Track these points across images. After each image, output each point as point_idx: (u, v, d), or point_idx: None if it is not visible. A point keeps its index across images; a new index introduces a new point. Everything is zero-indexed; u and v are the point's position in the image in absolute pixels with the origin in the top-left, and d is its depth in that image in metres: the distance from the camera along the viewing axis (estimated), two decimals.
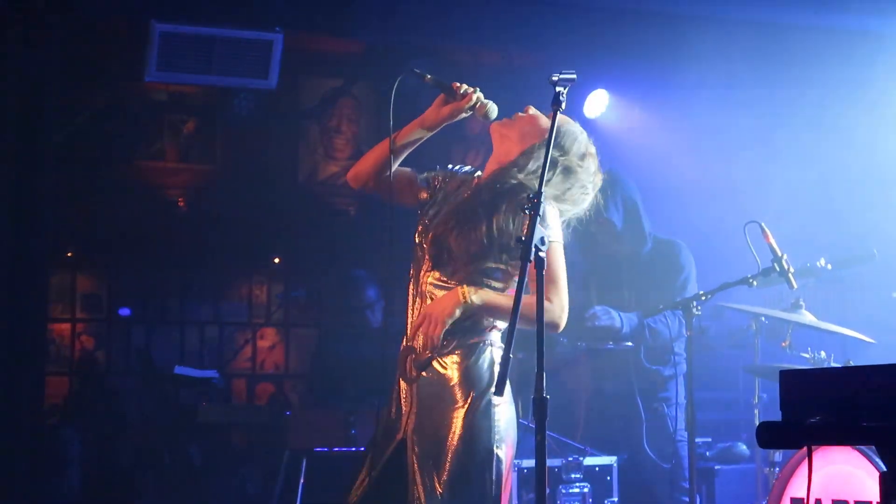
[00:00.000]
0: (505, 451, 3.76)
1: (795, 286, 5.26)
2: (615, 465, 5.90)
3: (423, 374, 3.78)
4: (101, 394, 9.39)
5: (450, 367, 3.75)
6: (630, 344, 6.03)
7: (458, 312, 3.68)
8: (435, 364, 3.77)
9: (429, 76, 3.91)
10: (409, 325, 3.85)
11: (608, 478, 5.83)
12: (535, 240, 3.36)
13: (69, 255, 9.90)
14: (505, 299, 3.70)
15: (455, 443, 3.68)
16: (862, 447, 4.54)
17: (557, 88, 3.56)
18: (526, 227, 3.42)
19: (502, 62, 8.59)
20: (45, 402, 7.64)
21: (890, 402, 2.47)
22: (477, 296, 3.70)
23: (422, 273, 3.86)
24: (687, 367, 5.28)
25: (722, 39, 7.56)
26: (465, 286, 3.71)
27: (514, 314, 3.33)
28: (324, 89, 9.81)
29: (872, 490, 4.48)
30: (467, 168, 4.12)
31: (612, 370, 6.25)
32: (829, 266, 5.45)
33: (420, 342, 3.78)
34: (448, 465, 3.67)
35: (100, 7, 7.38)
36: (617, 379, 6.21)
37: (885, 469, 2.58)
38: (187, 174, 10.11)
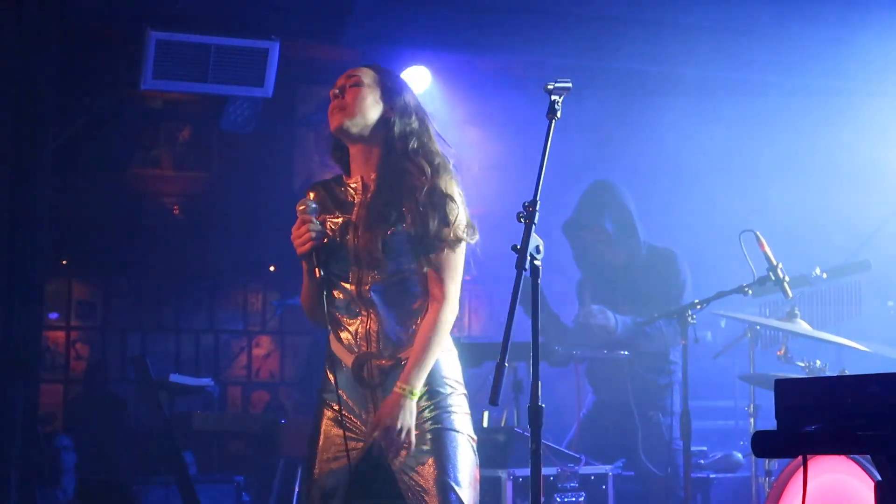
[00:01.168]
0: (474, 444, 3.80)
1: (791, 295, 5.27)
2: (610, 473, 5.88)
3: (389, 378, 3.77)
4: (99, 401, 9.37)
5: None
6: (626, 353, 6.03)
7: (411, 415, 3.67)
8: (400, 369, 3.75)
9: (319, 269, 3.79)
10: (356, 333, 3.80)
11: (603, 486, 5.81)
12: (531, 248, 3.36)
13: (64, 262, 9.89)
14: (423, 358, 3.70)
15: (431, 437, 3.71)
16: (857, 456, 4.54)
17: (553, 97, 3.55)
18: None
19: (497, 69, 8.60)
20: (39, 409, 7.63)
21: (885, 412, 2.47)
22: (416, 387, 3.68)
23: (352, 286, 3.80)
24: (682, 375, 5.28)
25: (715, 48, 7.58)
26: (401, 385, 3.67)
27: (508, 321, 3.34)
28: (319, 97, 9.81)
29: (868, 500, 4.48)
30: (324, 181, 4.08)
31: (608, 379, 6.25)
32: (825, 275, 5.46)
33: (380, 351, 3.77)
34: (432, 458, 3.70)
35: (95, 15, 7.39)
36: (612, 387, 6.21)
37: (879, 478, 2.58)
38: (183, 182, 10.12)
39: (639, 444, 6.02)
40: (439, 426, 3.72)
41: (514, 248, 3.40)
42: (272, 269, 10.34)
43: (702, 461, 6.46)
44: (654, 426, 6.09)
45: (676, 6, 7.44)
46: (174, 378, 7.26)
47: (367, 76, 3.94)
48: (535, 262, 3.38)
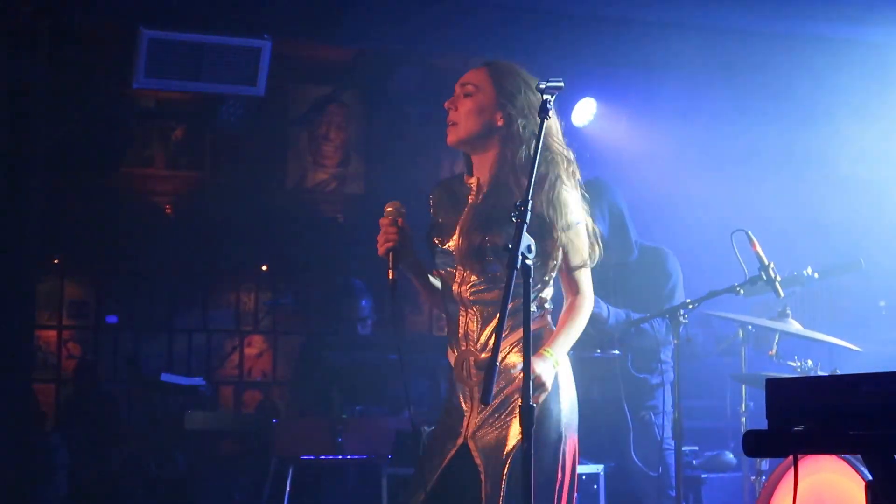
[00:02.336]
0: (571, 435, 3.81)
1: (782, 294, 5.27)
2: (602, 473, 5.89)
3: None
4: (90, 401, 9.35)
5: (511, 359, 3.79)
6: (617, 352, 6.02)
7: (552, 369, 3.76)
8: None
9: (392, 272, 3.87)
10: (459, 333, 3.89)
11: (595, 486, 5.82)
12: (522, 248, 3.36)
13: (56, 261, 9.88)
14: (565, 336, 3.83)
15: (520, 433, 3.69)
16: (847, 456, 4.55)
17: (545, 96, 3.56)
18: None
19: None
20: (31, 409, 7.63)
21: (876, 411, 2.47)
22: (557, 353, 3.79)
23: (456, 286, 3.89)
24: (674, 375, 5.28)
25: (706, 48, 7.59)
26: (546, 349, 3.77)
27: (500, 321, 3.34)
28: (312, 96, 9.81)
29: (858, 499, 4.48)
30: (447, 179, 4.14)
31: (599, 378, 6.24)
32: (816, 275, 5.46)
33: (478, 351, 3.84)
34: (512, 457, 3.70)
35: (88, 13, 7.37)
36: (604, 387, 6.20)
37: (870, 478, 2.58)
38: (175, 181, 10.10)
39: (630, 444, 6.02)
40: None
41: (505, 247, 3.40)
42: (265, 268, 10.33)
43: (693, 461, 6.47)
44: (646, 426, 6.08)
45: (666, 5, 7.45)
46: (166, 377, 7.26)
47: (481, 80, 3.99)
48: (527, 262, 3.38)
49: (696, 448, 6.63)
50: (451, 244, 3.91)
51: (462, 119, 3.93)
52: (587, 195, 4.09)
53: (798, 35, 7.70)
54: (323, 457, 6.60)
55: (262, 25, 7.41)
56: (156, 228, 9.88)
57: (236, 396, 10.32)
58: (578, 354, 6.08)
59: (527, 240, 3.37)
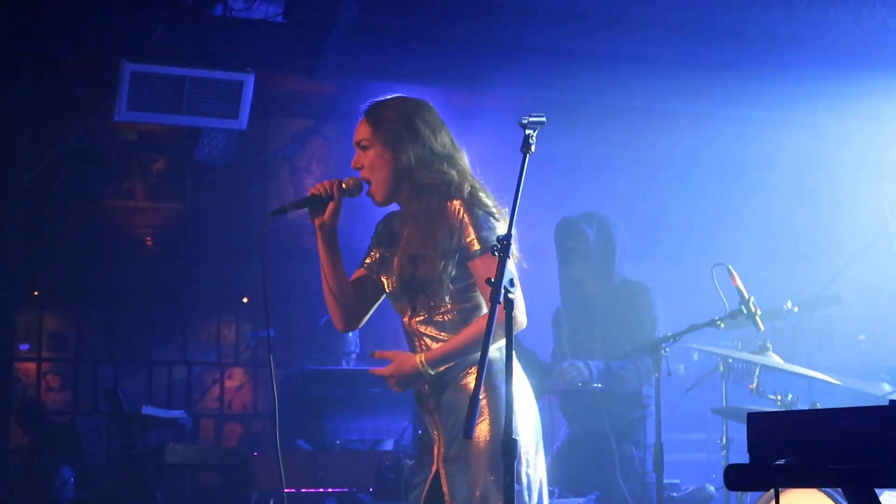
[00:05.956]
0: (534, 457, 3.80)
1: (762, 328, 5.29)
2: None
3: (441, 400, 3.85)
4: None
5: (466, 387, 3.80)
6: (599, 385, 6.03)
7: (413, 379, 3.84)
8: (451, 388, 3.82)
9: (287, 206, 4.05)
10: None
11: None
12: (505, 281, 3.36)
13: (36, 293, 9.85)
14: (447, 346, 3.82)
15: (484, 460, 3.71)
16: (829, 490, 4.55)
17: (527, 131, 3.57)
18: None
19: (472, 104, 8.63)
20: (9, 441, 7.59)
21: (857, 445, 2.49)
22: (431, 365, 3.81)
23: (406, 318, 3.96)
24: (655, 408, 5.29)
25: (686, 80, 7.64)
26: (421, 356, 3.82)
27: (483, 354, 3.34)
28: (294, 130, 9.83)
29: None
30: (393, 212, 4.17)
31: (582, 411, 6.25)
32: (796, 309, 5.48)
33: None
34: (480, 485, 3.70)
35: (71, 46, 7.38)
36: (587, 420, 6.21)
37: None
38: (156, 213, 10.10)
39: (613, 477, 6.02)
40: (492, 455, 3.71)
41: (487, 281, 3.41)
42: (245, 300, 10.31)
43: (674, 494, 6.46)
44: (628, 459, 6.08)
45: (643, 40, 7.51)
46: (147, 410, 7.23)
47: (367, 132, 4.02)
48: (510, 296, 3.39)
49: (677, 481, 6.63)
50: (386, 280, 3.99)
51: (374, 179, 3.98)
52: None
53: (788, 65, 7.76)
54: (305, 490, 6.57)
55: (244, 59, 7.43)
56: (136, 260, 9.86)
57: (217, 429, 10.29)
58: (562, 388, 6.12)
59: (509, 273, 3.38)
